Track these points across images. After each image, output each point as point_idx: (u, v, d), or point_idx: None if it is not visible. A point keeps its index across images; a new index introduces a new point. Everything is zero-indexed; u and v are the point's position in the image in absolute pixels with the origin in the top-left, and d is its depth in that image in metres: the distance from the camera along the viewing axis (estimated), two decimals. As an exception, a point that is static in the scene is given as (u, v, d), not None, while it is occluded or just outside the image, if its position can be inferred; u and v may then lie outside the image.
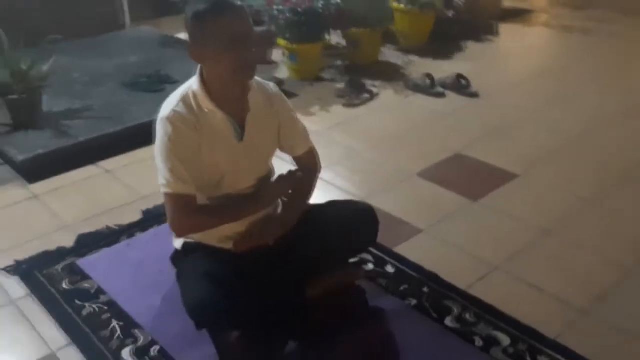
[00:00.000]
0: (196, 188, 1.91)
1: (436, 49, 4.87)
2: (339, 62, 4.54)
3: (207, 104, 1.90)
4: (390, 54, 4.82)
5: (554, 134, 3.52)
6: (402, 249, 2.51)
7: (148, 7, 5.07)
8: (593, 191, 2.93)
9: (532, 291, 2.28)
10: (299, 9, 3.96)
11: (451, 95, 4.03)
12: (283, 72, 4.37)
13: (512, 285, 2.32)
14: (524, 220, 2.70)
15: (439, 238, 2.60)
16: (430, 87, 4.03)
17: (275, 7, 4.07)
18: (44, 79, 3.38)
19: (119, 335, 2.07)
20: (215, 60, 1.84)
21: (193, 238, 2.08)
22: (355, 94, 3.95)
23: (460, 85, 4.05)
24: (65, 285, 2.30)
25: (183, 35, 4.89)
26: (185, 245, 2.10)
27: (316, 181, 2.24)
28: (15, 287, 2.30)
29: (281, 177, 2.07)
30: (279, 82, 4.04)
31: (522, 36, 5.40)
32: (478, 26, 5.25)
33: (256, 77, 2.02)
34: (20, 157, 3.05)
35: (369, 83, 4.13)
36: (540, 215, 2.74)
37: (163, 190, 1.89)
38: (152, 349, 2.01)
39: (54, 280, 2.33)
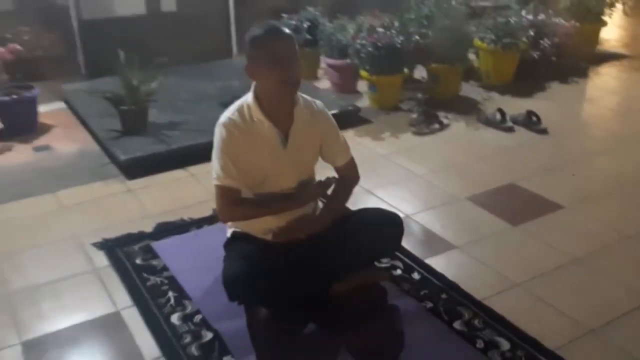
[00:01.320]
0: (243, 184, 2.29)
1: (518, 88, 5.01)
2: (419, 95, 4.81)
3: (257, 115, 2.28)
4: (471, 90, 5.02)
5: (611, 175, 3.59)
6: (432, 261, 2.73)
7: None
8: (638, 229, 2.98)
9: (546, 308, 2.42)
10: (379, 44, 4.31)
11: (520, 131, 4.18)
12: (364, 101, 4.72)
13: (527, 301, 2.47)
14: (557, 248, 2.83)
15: (470, 255, 2.79)
16: (500, 122, 4.20)
17: (358, 41, 4.46)
18: (151, 94, 3.98)
19: (171, 303, 2.47)
20: (265, 77, 2.22)
21: (240, 228, 2.45)
22: (426, 123, 4.21)
23: (530, 121, 4.18)
24: (138, 261, 2.76)
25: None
26: (233, 233, 2.47)
27: (352, 189, 2.54)
28: (100, 259, 2.79)
29: (319, 182, 2.41)
30: (357, 109, 4.43)
31: (610, 80, 5.39)
32: (565, 68, 5.31)
33: (304, 95, 2.40)
34: (122, 157, 3.62)
35: (442, 115, 4.37)
36: (575, 244, 2.85)
37: (214, 182, 2.27)
38: (195, 317, 2.39)
39: (130, 256, 2.80)
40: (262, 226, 2.38)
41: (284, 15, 5.23)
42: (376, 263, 2.72)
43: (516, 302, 2.46)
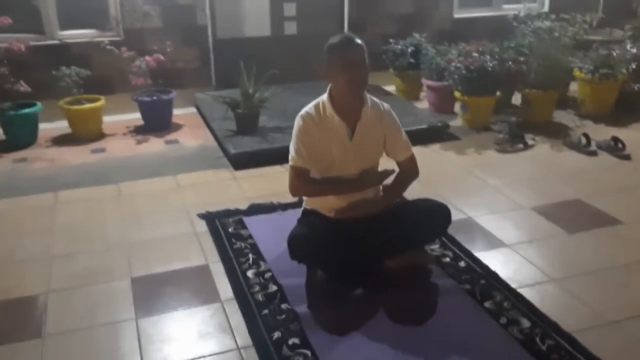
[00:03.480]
0: (312, 166, 2.76)
1: (615, 118, 5.10)
2: (513, 118, 5.04)
3: (329, 111, 2.75)
4: (566, 117, 5.18)
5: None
6: (481, 254, 3.04)
7: (364, 61, 6.15)
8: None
9: (575, 301, 2.65)
10: (471, 67, 4.65)
11: (603, 155, 4.31)
12: (457, 121, 5.05)
13: (558, 293, 2.71)
14: (603, 253, 3.03)
15: (517, 252, 3.06)
16: (584, 146, 4.35)
17: (453, 64, 4.82)
18: (263, 102, 4.61)
19: (249, 262, 2.99)
20: (336, 78, 2.69)
21: (310, 206, 2.93)
22: (510, 142, 4.46)
23: (614, 147, 4.30)
24: (230, 230, 3.33)
25: (389, 88, 5.90)
26: (305, 209, 2.96)
27: (410, 182, 2.93)
28: (201, 226, 3.39)
29: (379, 171, 2.84)
30: (445, 126, 4.78)
31: None
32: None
33: (374, 98, 2.85)
34: (232, 151, 4.26)
35: (529, 136, 4.60)
36: (622, 252, 3.04)
37: (289, 163, 2.78)
38: (266, 274, 2.89)
39: (225, 226, 3.37)
40: (327, 205, 2.85)
41: (391, 40, 5.72)
42: (427, 248, 3.08)
43: (546, 292, 2.72)
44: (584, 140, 4.38)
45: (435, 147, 4.55)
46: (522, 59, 4.98)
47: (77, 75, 4.85)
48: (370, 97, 2.83)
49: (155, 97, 5.03)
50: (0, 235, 3.35)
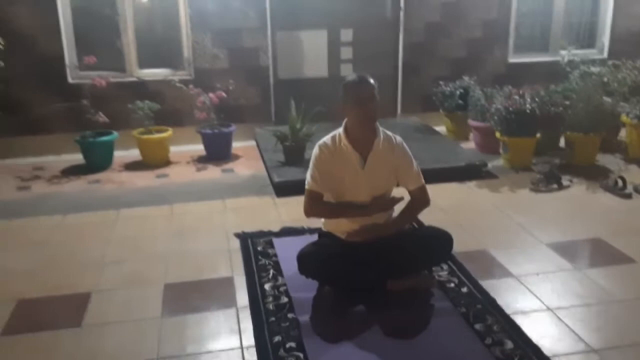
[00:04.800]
0: (326, 191, 3.07)
1: (663, 162, 5.06)
2: (556, 160, 5.10)
3: (344, 141, 3.06)
4: (611, 161, 5.21)
5: None
6: (486, 282, 3.19)
7: (417, 102, 6.44)
8: None
9: (564, 328, 2.77)
10: (510, 108, 4.81)
11: (638, 198, 4.33)
12: (499, 161, 5.19)
13: (550, 321, 2.84)
14: (606, 289, 3.11)
15: (522, 283, 3.20)
16: (620, 189, 4.38)
17: (494, 105, 5.00)
18: (309, 136, 4.97)
19: (269, 277, 3.31)
20: (349, 112, 3.01)
21: (326, 228, 3.22)
22: (545, 182, 4.56)
23: (651, 191, 4.30)
24: (259, 248, 3.67)
25: (439, 128, 6.12)
26: (321, 231, 3.26)
27: (420, 210, 3.16)
28: (235, 244, 3.76)
29: (387, 198, 3.10)
30: (483, 165, 4.94)
31: None
32: None
33: (387, 131, 3.13)
34: (276, 180, 4.64)
35: (566, 178, 4.67)
36: (627, 289, 3.10)
37: (305, 186, 3.09)
38: (281, 288, 3.19)
39: (255, 245, 3.72)
40: (341, 227, 3.14)
41: (441, 82, 5.97)
42: (436, 273, 3.28)
43: (539, 320, 2.85)
44: (620, 183, 4.41)
45: (471, 184, 4.73)
46: (567, 102, 5.09)
47: (149, 108, 5.43)
48: (383, 130, 3.11)
49: (216, 130, 5.54)
50: (66, 242, 3.87)
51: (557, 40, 6.58)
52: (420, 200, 3.16)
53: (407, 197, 3.13)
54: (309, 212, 3.13)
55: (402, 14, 6.21)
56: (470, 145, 5.74)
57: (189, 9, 5.79)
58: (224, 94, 5.52)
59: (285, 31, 6.11)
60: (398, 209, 3.14)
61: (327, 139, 3.12)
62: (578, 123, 4.93)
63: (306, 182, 3.09)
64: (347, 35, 6.26)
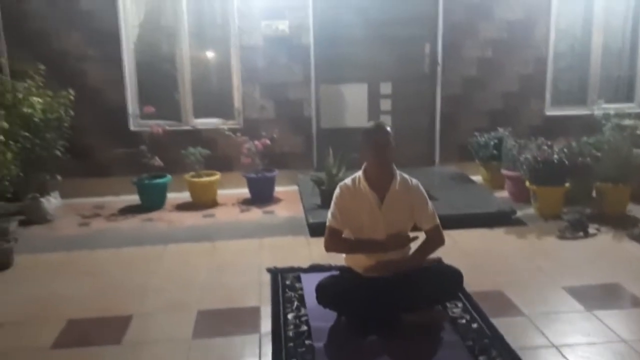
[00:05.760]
0: (346, 228, 3.34)
1: (697, 214, 5.06)
2: (588, 210, 5.19)
3: (363, 183, 3.35)
4: (643, 212, 5.26)
5: None
6: (497, 320, 3.34)
7: (454, 152, 6.67)
8: None
9: (563, 363, 2.90)
10: (538, 158, 4.98)
11: (664, 247, 4.37)
12: (531, 210, 5.33)
13: (553, 357, 2.98)
14: (616, 331, 3.21)
15: (532, 321, 3.34)
16: (646, 237, 4.45)
17: (523, 155, 5.18)
18: (343, 179, 5.26)
19: (293, 307, 3.58)
20: (366, 157, 3.31)
21: (347, 263, 3.48)
22: (571, 230, 4.67)
23: (677, 240, 4.34)
24: (287, 282, 3.96)
25: (476, 178, 6.31)
26: (342, 266, 3.52)
27: (435, 249, 3.38)
28: (266, 278, 4.05)
29: (402, 236, 3.34)
30: (512, 212, 5.10)
31: None
32: None
33: (404, 174, 3.41)
34: (311, 221, 4.95)
35: (594, 226, 4.77)
36: (635, 330, 3.19)
37: (327, 224, 3.38)
38: (302, 317, 3.46)
39: (284, 279, 4.01)
40: (359, 263, 3.40)
41: (476, 133, 6.20)
42: (450, 310, 3.47)
43: (541, 355, 2.99)
44: (647, 232, 4.49)
45: (499, 231, 4.89)
46: (598, 153, 5.21)
47: (200, 154, 5.90)
48: (400, 173, 3.39)
49: (260, 175, 5.93)
50: (116, 272, 4.26)
51: (595, 93, 6.72)
52: (434, 239, 3.39)
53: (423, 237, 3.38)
54: (329, 247, 3.40)
55: (439, 68, 6.55)
56: (504, 194, 5.89)
57: (240, 64, 6.31)
58: (268, 142, 5.93)
59: (328, 84, 6.54)
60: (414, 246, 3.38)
61: (348, 180, 3.42)
62: (608, 174, 5.03)
63: (327, 220, 3.38)
64: (386, 88, 6.63)
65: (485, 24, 6.51)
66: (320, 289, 3.30)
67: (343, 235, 3.36)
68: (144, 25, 6.37)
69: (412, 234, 3.38)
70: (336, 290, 3.28)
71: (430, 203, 3.41)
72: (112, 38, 6.11)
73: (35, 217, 5.51)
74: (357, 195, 3.34)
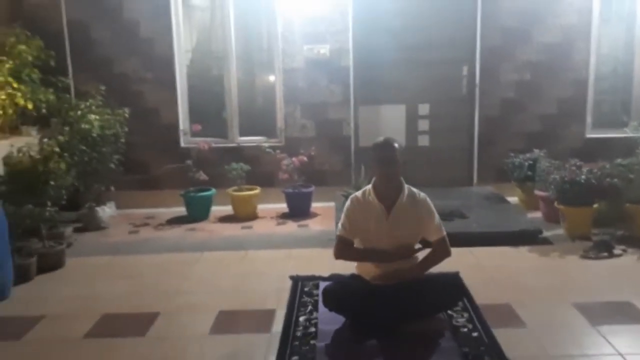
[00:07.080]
0: (354, 238, 3.55)
1: None
2: (618, 231, 5.16)
3: (371, 196, 3.57)
4: (675, 234, 5.15)
5: None
6: (498, 331, 3.44)
7: (492, 173, 6.73)
8: None
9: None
10: (565, 178, 5.01)
11: (687, 269, 4.31)
12: (561, 230, 5.34)
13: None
14: (613, 344, 3.24)
15: (534, 333, 3.43)
16: (671, 259, 4.40)
17: (552, 176, 5.22)
18: (375, 197, 5.47)
19: (306, 311, 3.81)
20: (375, 171, 3.53)
21: (357, 271, 3.69)
22: (595, 250, 4.67)
23: (702, 262, 4.27)
24: (306, 289, 4.20)
25: (512, 198, 6.36)
26: (353, 273, 3.73)
27: (440, 260, 3.53)
28: (287, 284, 4.29)
29: (407, 247, 3.52)
30: (537, 231, 5.13)
31: None
32: None
33: (413, 188, 3.60)
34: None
35: (620, 247, 4.75)
36: (633, 344, 3.23)
37: (337, 233, 3.60)
38: (313, 320, 3.68)
39: (303, 286, 4.25)
40: (367, 271, 3.60)
41: (512, 154, 6.25)
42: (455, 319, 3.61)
43: (536, 365, 3.07)
44: (672, 254, 4.44)
45: (522, 249, 4.95)
46: (631, 175, 5.18)
47: (242, 169, 6.26)
48: (408, 187, 3.58)
49: (297, 190, 6.22)
50: (152, 275, 4.63)
51: (638, 116, 6.63)
52: (440, 250, 3.55)
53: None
54: (338, 255, 3.62)
55: (477, 90, 6.67)
56: (537, 214, 5.91)
57: (283, 85, 6.68)
58: (305, 159, 6.23)
59: (366, 105, 6.79)
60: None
61: (358, 192, 3.64)
62: (634, 195, 5.00)
63: (337, 229, 3.61)
64: (424, 109, 6.82)
65: (523, 47, 6.61)
66: (325, 292, 3.52)
67: (355, 245, 3.58)
68: (195, 50, 6.87)
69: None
70: (340, 294, 3.49)
71: (437, 216, 3.57)
72: (167, 62, 6.62)
73: (91, 224, 6.02)
74: (366, 206, 3.55)
